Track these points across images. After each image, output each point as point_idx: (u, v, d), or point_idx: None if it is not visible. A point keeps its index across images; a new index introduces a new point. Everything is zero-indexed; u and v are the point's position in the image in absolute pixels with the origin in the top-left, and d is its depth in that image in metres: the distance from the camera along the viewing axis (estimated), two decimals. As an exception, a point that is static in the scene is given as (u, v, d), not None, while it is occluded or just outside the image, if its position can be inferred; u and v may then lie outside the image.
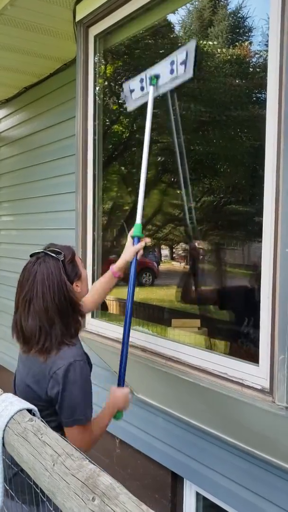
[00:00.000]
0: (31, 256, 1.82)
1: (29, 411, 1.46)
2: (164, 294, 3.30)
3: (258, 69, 2.39)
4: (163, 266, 3.33)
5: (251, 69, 2.52)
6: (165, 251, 3.42)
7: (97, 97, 2.93)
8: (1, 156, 5.37)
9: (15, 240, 5.07)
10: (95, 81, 2.91)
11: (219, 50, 2.62)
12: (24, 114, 4.75)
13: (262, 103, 1.93)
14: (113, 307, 3.28)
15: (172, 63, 2.18)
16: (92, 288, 2.23)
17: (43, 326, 1.71)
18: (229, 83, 2.59)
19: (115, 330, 2.68)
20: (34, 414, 1.45)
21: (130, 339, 2.57)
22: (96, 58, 2.90)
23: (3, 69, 4.11)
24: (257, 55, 2.43)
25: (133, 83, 2.42)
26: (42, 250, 1.81)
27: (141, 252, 2.15)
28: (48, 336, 1.72)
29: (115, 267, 2.19)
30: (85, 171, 2.95)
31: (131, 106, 2.49)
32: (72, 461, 1.13)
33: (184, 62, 2.12)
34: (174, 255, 3.27)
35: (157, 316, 3.09)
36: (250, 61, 2.52)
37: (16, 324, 1.79)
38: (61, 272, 1.75)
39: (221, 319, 2.65)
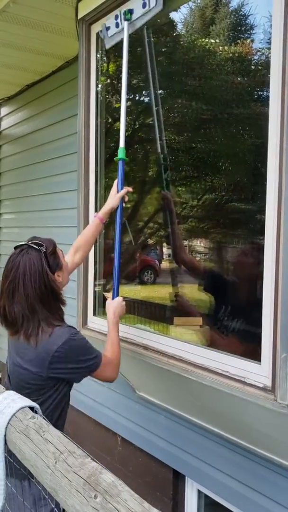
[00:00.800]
0: (15, 248, 1.93)
1: (31, 408, 1.46)
2: (166, 292, 3.29)
3: (260, 67, 2.39)
4: (164, 264, 3.32)
5: (253, 67, 2.51)
6: (167, 250, 3.42)
7: (99, 94, 2.93)
8: (3, 154, 5.37)
9: (16, 238, 5.07)
10: (97, 78, 2.91)
11: (221, 48, 2.61)
12: (26, 112, 4.74)
13: (264, 101, 1.92)
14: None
15: None
16: (82, 236, 2.41)
17: (25, 313, 1.83)
18: (231, 81, 2.58)
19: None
20: (36, 412, 1.45)
21: (132, 337, 2.58)
22: (98, 56, 2.90)
23: (5, 66, 4.11)
24: (259, 53, 2.42)
25: (109, 21, 2.50)
26: (25, 243, 1.92)
27: (126, 198, 2.40)
28: (30, 321, 1.84)
29: (101, 213, 2.40)
30: (87, 169, 2.95)
31: (108, 43, 2.59)
32: (74, 459, 1.14)
33: None
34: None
35: (159, 314, 3.09)
36: (252, 59, 2.51)
37: (0, 310, 1.89)
38: (42, 262, 1.86)
39: (222, 317, 2.65)
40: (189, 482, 2.87)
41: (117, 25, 2.45)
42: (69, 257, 2.29)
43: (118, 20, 2.42)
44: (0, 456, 1.42)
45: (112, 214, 2.42)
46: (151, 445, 3.04)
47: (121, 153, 2.37)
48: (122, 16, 2.38)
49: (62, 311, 1.96)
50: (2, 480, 1.45)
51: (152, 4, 2.25)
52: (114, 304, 2.22)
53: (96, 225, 2.40)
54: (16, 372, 1.89)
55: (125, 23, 2.37)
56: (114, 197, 2.37)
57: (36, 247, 1.88)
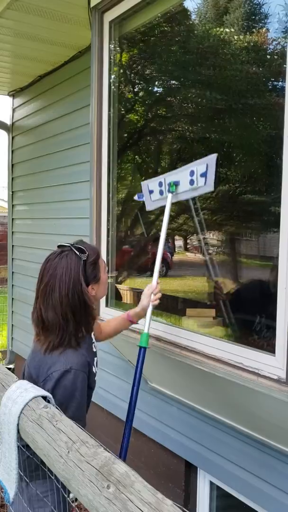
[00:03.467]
0: (58, 246, 1.86)
1: (44, 398, 1.46)
2: (178, 285, 3.28)
3: (275, 56, 2.35)
4: (177, 257, 3.31)
5: (268, 56, 2.48)
6: (179, 242, 3.40)
7: (112, 85, 2.91)
8: (16, 145, 5.37)
9: (30, 229, 5.08)
10: (110, 68, 2.88)
11: (235, 37, 2.57)
12: (38, 103, 4.74)
13: (280, 91, 1.89)
14: (127, 297, 3.27)
15: (192, 173, 2.16)
16: (108, 322, 2.33)
17: (60, 321, 1.76)
18: (245, 71, 2.55)
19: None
20: (49, 401, 1.45)
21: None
22: (111, 45, 2.87)
23: (18, 57, 4.10)
24: (274, 42, 2.38)
25: (152, 184, 2.42)
26: (69, 244, 1.84)
27: (159, 295, 2.19)
28: (65, 330, 1.76)
29: (132, 312, 2.24)
30: (99, 160, 2.94)
31: (150, 206, 2.50)
32: (87, 449, 1.13)
33: (205, 175, 2.11)
34: (188, 246, 3.25)
35: (172, 306, 3.08)
36: (267, 48, 2.47)
37: (36, 311, 1.82)
38: (79, 270, 1.78)
39: (236, 309, 2.63)
40: (201, 473, 2.86)
41: (161, 192, 2.36)
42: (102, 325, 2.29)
43: (162, 188, 2.34)
44: (13, 445, 1.43)
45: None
46: (163, 436, 3.04)
47: (143, 340, 2.13)
48: (167, 186, 2.29)
49: (90, 326, 1.87)
50: (15, 469, 1.45)
51: (200, 183, 2.12)
52: None
53: (123, 321, 2.29)
54: (25, 375, 1.87)
55: (169, 194, 2.26)
56: (145, 297, 2.19)
57: (78, 252, 1.81)
